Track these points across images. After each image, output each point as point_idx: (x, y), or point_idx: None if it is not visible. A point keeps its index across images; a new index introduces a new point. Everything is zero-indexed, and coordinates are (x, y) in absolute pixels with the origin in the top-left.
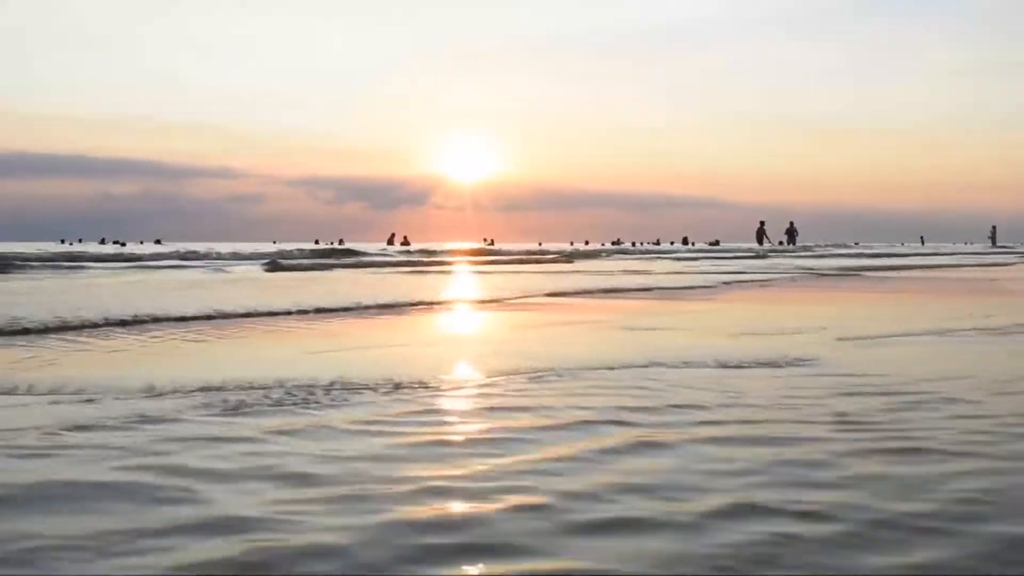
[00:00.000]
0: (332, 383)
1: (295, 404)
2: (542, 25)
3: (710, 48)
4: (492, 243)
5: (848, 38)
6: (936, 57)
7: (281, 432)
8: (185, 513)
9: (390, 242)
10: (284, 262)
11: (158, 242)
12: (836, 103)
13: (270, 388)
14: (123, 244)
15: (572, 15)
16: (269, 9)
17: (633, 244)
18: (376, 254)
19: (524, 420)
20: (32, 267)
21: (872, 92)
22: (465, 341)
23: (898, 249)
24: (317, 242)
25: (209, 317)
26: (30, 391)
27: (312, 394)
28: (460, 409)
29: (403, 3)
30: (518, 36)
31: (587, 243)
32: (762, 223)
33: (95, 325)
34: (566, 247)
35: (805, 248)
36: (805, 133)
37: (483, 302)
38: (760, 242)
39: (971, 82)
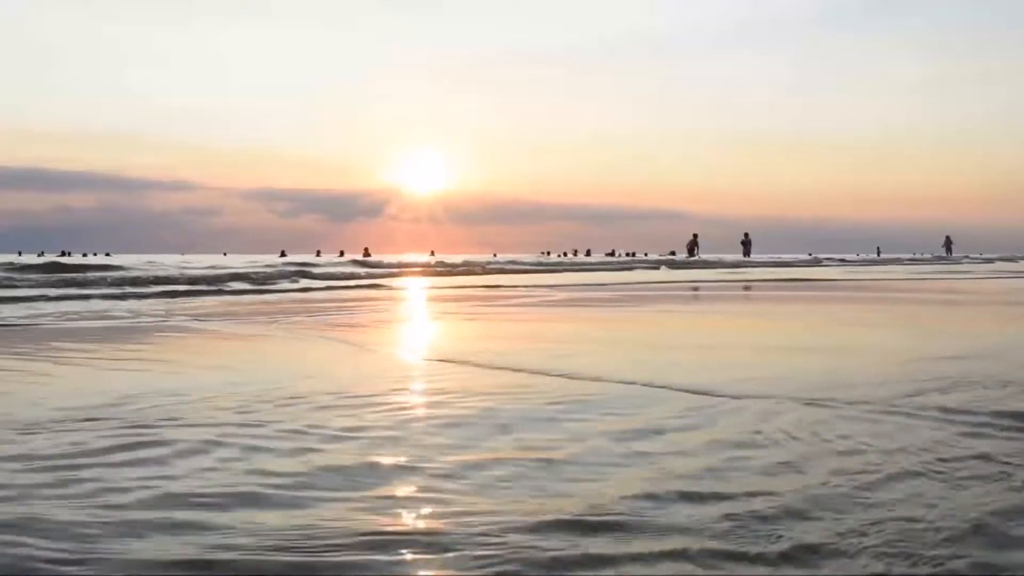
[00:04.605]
0: None
1: None
2: (499, 40)
3: (666, 62)
4: (433, 254)
5: (804, 51)
6: (891, 71)
7: None
8: None
9: (341, 255)
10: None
11: (107, 255)
12: (793, 115)
13: None
14: (108, 254)
15: (529, 31)
16: (225, 23)
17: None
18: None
19: None
20: None
21: (828, 105)
22: None
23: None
24: (284, 254)
25: None
26: None
27: None
28: None
29: (360, 17)
30: (474, 50)
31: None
32: (695, 236)
33: None
34: (523, 257)
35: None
36: (763, 145)
37: None
38: (691, 254)
39: (926, 95)
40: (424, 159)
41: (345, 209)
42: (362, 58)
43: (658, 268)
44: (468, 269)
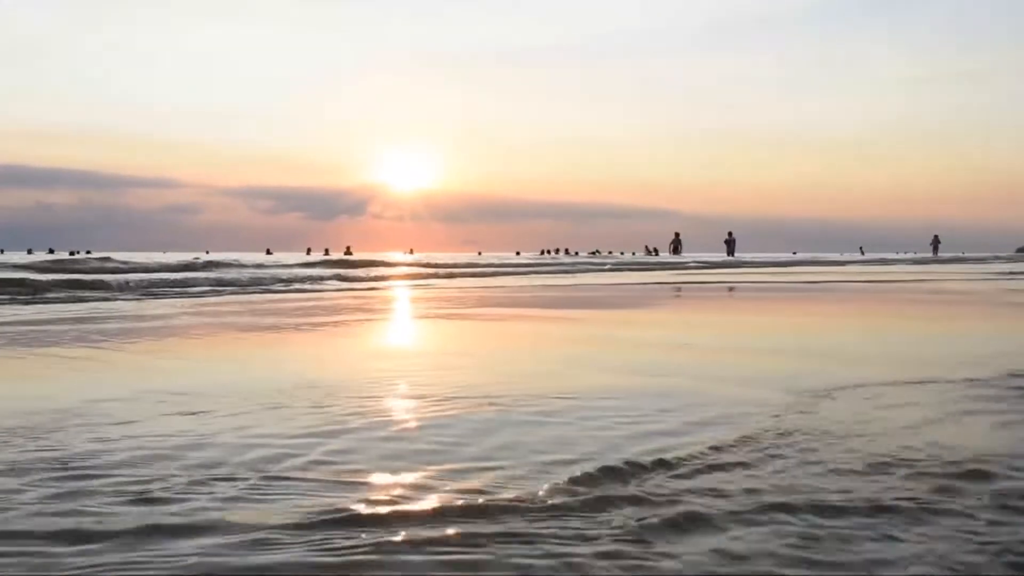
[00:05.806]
0: None
1: None
2: (482, 39)
3: (650, 60)
4: (412, 252)
5: (790, 50)
6: (878, 69)
7: None
8: None
9: (308, 253)
10: None
11: (88, 252)
12: (778, 114)
13: None
14: (90, 252)
15: (512, 30)
16: (208, 22)
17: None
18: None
19: None
20: None
21: (814, 103)
22: None
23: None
24: (269, 252)
25: None
26: None
27: None
28: None
29: (343, 17)
30: (458, 50)
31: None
32: (677, 234)
33: None
34: (505, 255)
35: None
36: (746, 144)
37: None
38: (675, 252)
39: (913, 93)
40: (407, 158)
41: (328, 207)
42: (345, 57)
43: (604, 268)
44: (444, 273)
